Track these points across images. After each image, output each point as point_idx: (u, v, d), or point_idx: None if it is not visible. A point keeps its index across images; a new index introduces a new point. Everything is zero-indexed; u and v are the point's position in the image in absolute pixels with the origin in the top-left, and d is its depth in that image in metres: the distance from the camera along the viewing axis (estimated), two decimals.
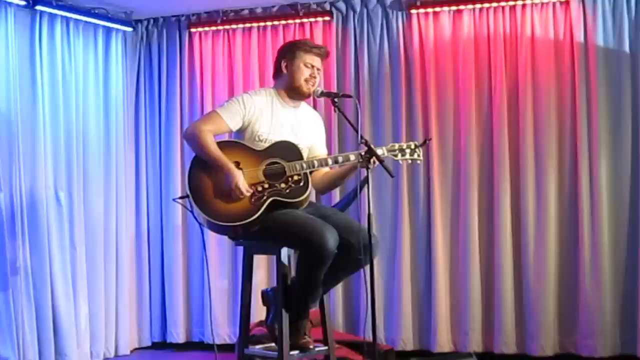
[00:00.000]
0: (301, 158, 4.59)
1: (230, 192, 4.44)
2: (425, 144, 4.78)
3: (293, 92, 4.75)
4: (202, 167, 4.53)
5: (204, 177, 4.50)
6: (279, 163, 4.55)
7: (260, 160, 4.57)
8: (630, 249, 6.06)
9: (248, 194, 4.44)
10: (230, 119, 4.61)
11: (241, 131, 4.67)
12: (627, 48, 6.05)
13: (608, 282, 6.04)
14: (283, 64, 4.76)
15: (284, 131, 4.69)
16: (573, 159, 6.17)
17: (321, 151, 4.90)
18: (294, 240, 4.46)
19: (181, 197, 4.69)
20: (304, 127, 4.80)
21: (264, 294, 4.82)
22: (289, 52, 4.77)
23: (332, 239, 4.32)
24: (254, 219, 4.44)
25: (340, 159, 4.63)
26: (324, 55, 4.85)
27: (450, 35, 6.42)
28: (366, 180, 4.33)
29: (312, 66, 4.73)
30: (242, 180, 4.44)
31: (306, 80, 4.71)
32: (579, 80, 6.11)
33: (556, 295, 6.18)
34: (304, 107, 4.91)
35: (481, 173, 6.36)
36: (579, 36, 6.13)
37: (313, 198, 4.94)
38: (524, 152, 6.22)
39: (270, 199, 4.47)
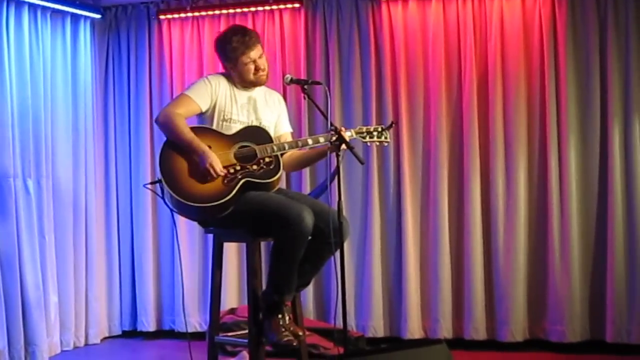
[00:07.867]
0: (271, 141, 4.63)
1: (203, 174, 4.44)
2: (392, 127, 4.87)
3: (247, 83, 4.78)
4: (174, 150, 4.52)
5: (176, 160, 4.49)
6: (249, 146, 4.57)
7: (231, 143, 4.58)
8: (599, 236, 6.10)
9: (222, 174, 4.43)
10: (200, 98, 4.64)
11: (207, 113, 4.69)
12: (595, 35, 6.08)
13: (577, 269, 6.08)
14: (228, 66, 4.77)
15: (245, 110, 4.74)
16: (542, 147, 6.20)
17: (285, 128, 4.94)
18: (271, 218, 4.41)
19: (152, 182, 4.68)
20: (261, 106, 4.82)
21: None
22: (225, 58, 4.75)
23: (308, 216, 4.33)
24: (227, 199, 4.43)
25: (310, 141, 4.67)
26: (257, 41, 4.77)
27: (419, 23, 6.42)
28: (337, 172, 4.35)
29: (254, 60, 4.71)
30: (216, 160, 4.43)
31: (254, 74, 4.73)
32: (548, 67, 6.14)
33: (525, 282, 6.21)
34: (259, 87, 4.89)
35: (451, 160, 6.38)
36: (548, 24, 6.15)
37: (283, 184, 4.95)
38: (493, 139, 6.24)
39: (244, 180, 4.48)
